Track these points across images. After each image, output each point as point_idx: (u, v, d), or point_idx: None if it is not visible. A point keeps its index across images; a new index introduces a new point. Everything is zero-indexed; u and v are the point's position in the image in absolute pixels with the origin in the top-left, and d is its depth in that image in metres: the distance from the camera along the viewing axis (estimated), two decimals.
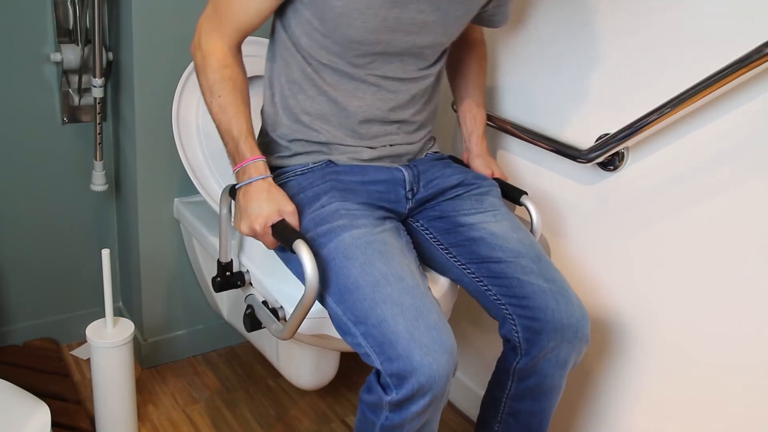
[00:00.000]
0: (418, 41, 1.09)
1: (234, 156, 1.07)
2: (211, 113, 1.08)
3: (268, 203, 1.03)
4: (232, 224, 1.16)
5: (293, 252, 0.99)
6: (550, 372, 1.09)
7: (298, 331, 1.10)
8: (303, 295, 0.99)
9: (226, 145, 1.08)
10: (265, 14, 1.08)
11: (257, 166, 1.05)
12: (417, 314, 0.95)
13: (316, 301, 1.08)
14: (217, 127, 1.08)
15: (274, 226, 1.03)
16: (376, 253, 1.01)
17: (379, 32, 1.06)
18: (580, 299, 1.12)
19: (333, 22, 1.05)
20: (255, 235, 1.05)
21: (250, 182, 1.04)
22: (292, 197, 1.11)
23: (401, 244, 1.07)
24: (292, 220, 1.05)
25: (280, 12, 1.11)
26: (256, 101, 1.47)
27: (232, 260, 1.22)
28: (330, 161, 1.15)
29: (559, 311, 1.05)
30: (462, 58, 1.31)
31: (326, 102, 1.12)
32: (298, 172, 1.15)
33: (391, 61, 1.10)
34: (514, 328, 1.08)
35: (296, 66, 1.12)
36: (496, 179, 1.26)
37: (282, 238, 1.02)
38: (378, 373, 0.97)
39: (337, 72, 1.10)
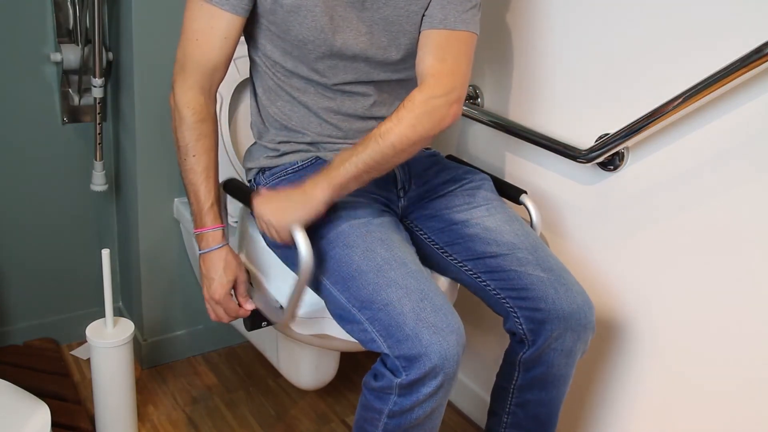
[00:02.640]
0: (373, 41, 1.09)
1: (196, 219, 1.11)
2: (181, 168, 1.11)
3: (225, 273, 1.09)
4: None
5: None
6: (556, 361, 1.09)
7: (298, 331, 1.10)
8: (299, 272, 1.00)
9: (190, 203, 1.11)
10: (233, 42, 1.07)
11: (216, 235, 1.10)
12: (422, 296, 0.95)
13: (316, 301, 1.08)
14: (185, 183, 1.11)
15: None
16: (377, 241, 1.01)
17: (328, 32, 1.05)
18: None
19: (284, 23, 1.05)
20: (216, 304, 1.11)
21: (210, 251, 1.09)
22: None
23: (402, 236, 1.08)
24: (242, 289, 1.12)
25: (247, 30, 1.12)
26: (247, 104, 1.47)
27: None
28: (318, 158, 1.15)
29: (559, 299, 1.05)
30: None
31: (301, 107, 1.14)
32: (290, 171, 1.16)
33: (354, 62, 1.10)
34: (517, 320, 1.08)
35: (268, 76, 1.14)
36: (492, 177, 1.26)
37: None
38: (384, 360, 0.96)
39: (303, 79, 1.11)
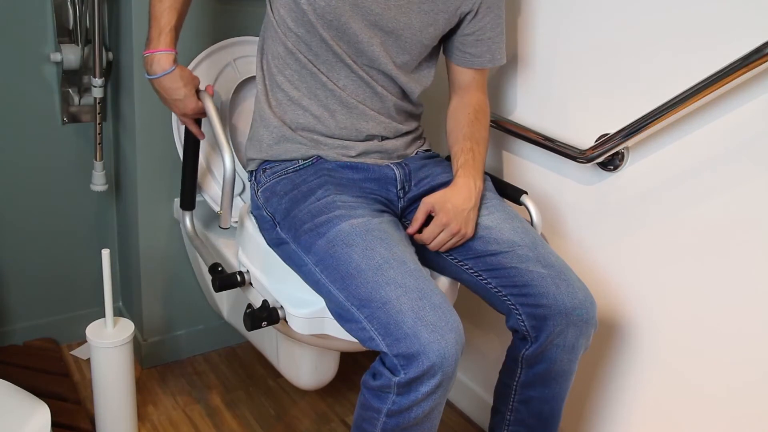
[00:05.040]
0: (381, 22, 1.10)
1: (152, 41, 1.14)
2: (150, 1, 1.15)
3: (188, 88, 1.17)
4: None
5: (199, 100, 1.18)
6: (559, 357, 1.09)
7: (299, 332, 1.10)
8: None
9: (149, 28, 1.15)
10: None
11: (169, 58, 1.14)
12: (421, 295, 0.95)
13: (316, 301, 1.08)
14: (150, 11, 1.15)
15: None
16: (377, 240, 1.01)
17: (342, 1, 1.07)
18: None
19: None
20: (191, 115, 1.21)
21: (164, 74, 1.15)
22: (286, 194, 1.12)
23: (401, 236, 1.08)
24: (198, 83, 1.20)
25: None
26: (246, 105, 1.48)
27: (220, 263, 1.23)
28: (319, 157, 1.16)
29: (560, 295, 1.05)
30: (458, 118, 1.25)
31: (309, 75, 1.14)
32: (290, 170, 1.16)
33: (360, 48, 1.11)
34: (519, 317, 1.08)
35: (279, 41, 1.15)
36: (492, 177, 1.26)
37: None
38: (383, 358, 0.96)
39: (312, 51, 1.13)
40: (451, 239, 1.11)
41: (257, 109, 1.21)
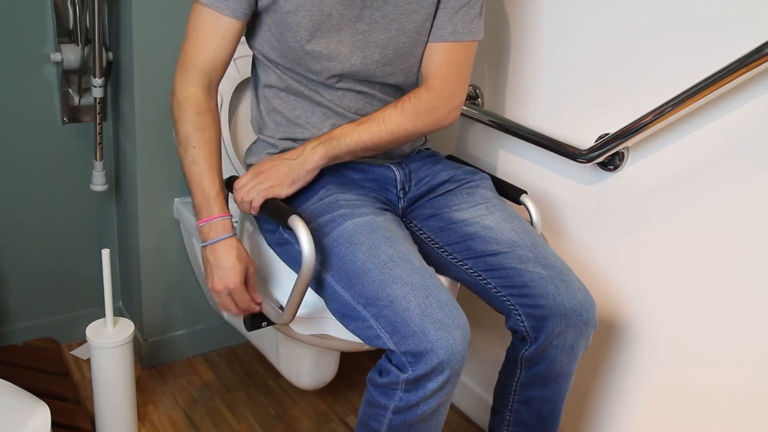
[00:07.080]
0: (387, 48, 1.10)
1: (202, 210, 1.08)
2: (182, 162, 1.09)
3: (239, 263, 1.06)
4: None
5: (289, 229, 1.01)
6: (558, 357, 1.09)
7: (298, 331, 1.10)
8: (300, 270, 0.99)
9: (193, 196, 1.09)
10: (231, 43, 1.09)
11: (225, 224, 1.07)
12: (427, 292, 0.96)
13: (316, 301, 1.08)
14: (187, 178, 1.09)
15: (266, 209, 1.09)
16: (381, 238, 1.02)
17: (326, 33, 1.07)
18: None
19: (283, 24, 1.06)
20: (228, 294, 1.07)
21: (220, 240, 1.06)
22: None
23: (404, 234, 1.08)
24: (253, 281, 1.10)
25: (248, 33, 1.14)
26: (247, 104, 1.48)
27: None
28: None
29: (560, 296, 1.06)
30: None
31: (304, 99, 1.14)
32: None
33: (355, 69, 1.11)
34: (519, 318, 1.08)
35: (271, 72, 1.15)
36: (492, 177, 1.26)
37: (277, 216, 1.04)
38: (390, 356, 0.96)
39: (302, 76, 1.12)
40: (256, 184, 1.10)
41: (256, 125, 1.21)
